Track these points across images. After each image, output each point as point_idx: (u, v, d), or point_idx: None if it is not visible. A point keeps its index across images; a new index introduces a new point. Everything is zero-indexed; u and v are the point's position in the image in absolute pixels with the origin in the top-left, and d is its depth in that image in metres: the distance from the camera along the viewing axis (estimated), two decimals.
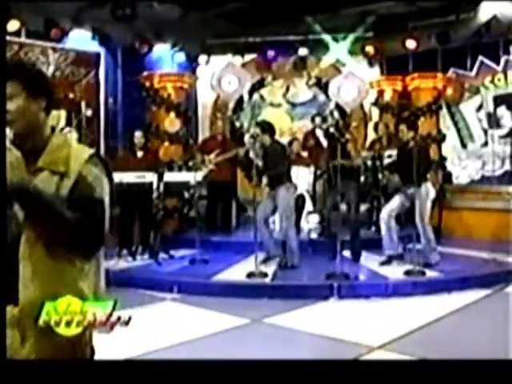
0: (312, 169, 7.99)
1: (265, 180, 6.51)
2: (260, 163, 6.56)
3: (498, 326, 4.38)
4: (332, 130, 6.98)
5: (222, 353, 4.05)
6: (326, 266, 6.18)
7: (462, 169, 9.51)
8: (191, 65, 9.79)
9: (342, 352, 4.25)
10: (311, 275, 6.41)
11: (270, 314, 5.13)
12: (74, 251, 1.62)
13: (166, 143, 9.20)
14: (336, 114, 9.96)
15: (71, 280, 1.62)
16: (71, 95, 8.53)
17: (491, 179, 9.18)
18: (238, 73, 9.20)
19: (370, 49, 9.26)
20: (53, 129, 1.77)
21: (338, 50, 9.43)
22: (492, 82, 9.18)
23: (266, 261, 6.50)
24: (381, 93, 9.80)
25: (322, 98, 10.32)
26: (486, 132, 9.31)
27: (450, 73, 9.48)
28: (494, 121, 9.20)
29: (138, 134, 7.48)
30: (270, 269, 6.36)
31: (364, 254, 6.93)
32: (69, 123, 7.35)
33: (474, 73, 9.30)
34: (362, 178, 7.72)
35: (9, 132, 1.58)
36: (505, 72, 9.03)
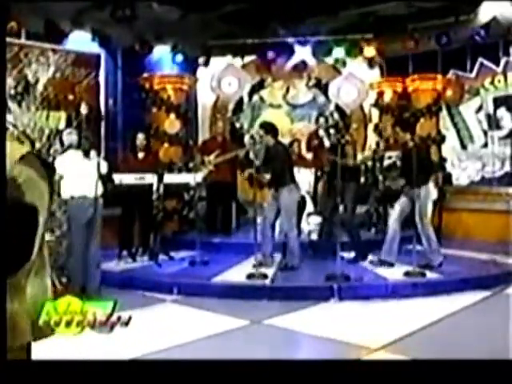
0: (313, 170, 7.99)
1: (267, 177, 6.48)
2: (258, 163, 6.56)
3: (498, 327, 4.36)
4: (332, 130, 6.98)
5: (221, 354, 4.04)
6: (326, 268, 6.18)
7: (462, 170, 9.52)
8: (191, 66, 9.80)
9: (342, 353, 4.25)
10: (311, 276, 6.41)
11: (269, 316, 5.12)
12: None
13: (166, 144, 9.19)
14: (336, 116, 9.96)
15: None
16: (71, 96, 8.53)
17: (491, 180, 9.18)
18: (237, 74, 9.21)
19: (369, 50, 9.27)
20: None
21: (338, 51, 9.46)
22: (492, 83, 9.19)
23: (256, 266, 6.26)
24: (381, 94, 9.80)
25: (321, 99, 10.31)
26: (485, 133, 9.31)
27: (450, 74, 9.48)
28: (493, 122, 9.21)
29: (140, 136, 7.51)
30: (270, 270, 6.34)
31: None
32: (69, 124, 7.33)
33: (473, 74, 9.31)
34: (362, 179, 7.71)
35: None
36: (505, 73, 9.03)
